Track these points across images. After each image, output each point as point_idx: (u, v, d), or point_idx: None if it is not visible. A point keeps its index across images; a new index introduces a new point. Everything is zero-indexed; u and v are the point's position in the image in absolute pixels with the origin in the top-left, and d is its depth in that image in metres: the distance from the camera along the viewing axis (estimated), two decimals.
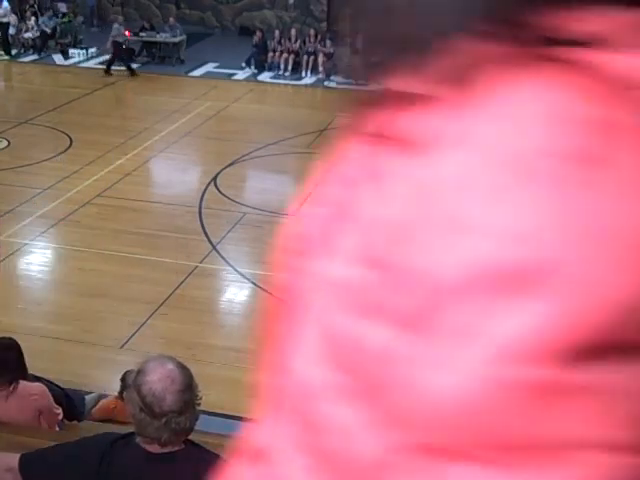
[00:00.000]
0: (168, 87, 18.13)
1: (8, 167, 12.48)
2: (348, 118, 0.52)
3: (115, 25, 19.41)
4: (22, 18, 21.64)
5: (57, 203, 11.18)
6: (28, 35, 20.82)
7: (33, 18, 21.22)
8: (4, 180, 12.02)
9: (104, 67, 19.17)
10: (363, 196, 0.46)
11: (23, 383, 4.50)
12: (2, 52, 20.35)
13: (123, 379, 5.29)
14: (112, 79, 18.81)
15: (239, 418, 7.19)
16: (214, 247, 10.01)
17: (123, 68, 19.77)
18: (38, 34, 20.89)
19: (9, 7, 20.53)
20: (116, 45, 19.06)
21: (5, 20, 20.34)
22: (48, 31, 21.08)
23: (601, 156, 0.38)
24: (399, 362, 0.40)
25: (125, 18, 25.13)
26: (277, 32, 20.79)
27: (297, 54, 20.00)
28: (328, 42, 20.07)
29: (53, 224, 10.52)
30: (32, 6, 22.61)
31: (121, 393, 5.46)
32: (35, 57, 20.71)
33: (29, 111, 15.74)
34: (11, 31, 20.79)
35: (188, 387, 2.51)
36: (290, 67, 19.80)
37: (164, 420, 2.44)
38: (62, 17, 22.17)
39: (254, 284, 9.20)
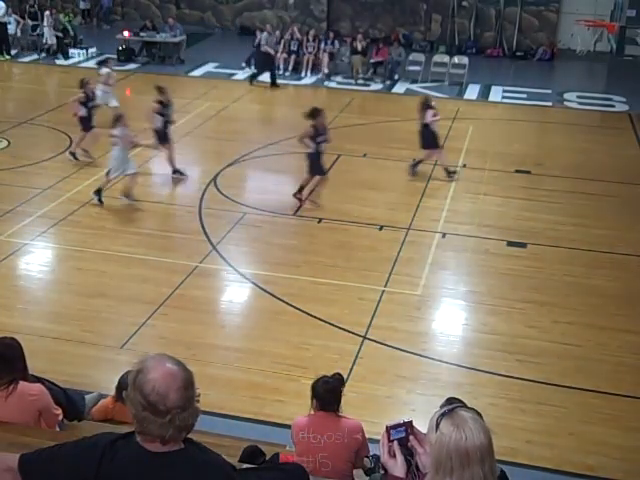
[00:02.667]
0: (168, 87, 18.10)
1: (8, 167, 12.49)
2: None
3: (264, 34, 18.81)
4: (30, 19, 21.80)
5: (57, 203, 11.18)
6: (52, 40, 20.81)
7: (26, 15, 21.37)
8: (4, 180, 12.01)
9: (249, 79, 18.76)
10: None
11: (22, 383, 4.49)
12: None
13: (119, 383, 5.28)
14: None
15: (239, 418, 7.21)
16: (214, 247, 10.00)
17: (123, 68, 19.77)
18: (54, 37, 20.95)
19: (5, 7, 20.51)
20: (264, 56, 18.58)
21: (4, 20, 20.33)
22: (59, 35, 21.13)
23: None
24: None
25: (124, 18, 25.21)
26: (277, 32, 20.81)
27: (297, 54, 20.01)
28: (328, 42, 20.10)
29: (53, 224, 10.52)
30: (32, 6, 22.62)
31: (116, 396, 5.41)
32: (36, 57, 20.71)
33: (29, 111, 15.74)
34: (12, 31, 20.81)
35: (189, 383, 2.51)
36: (290, 67, 19.81)
37: (169, 417, 2.45)
38: (65, 17, 22.20)
39: (254, 284, 9.20)
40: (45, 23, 20.78)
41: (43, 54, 20.79)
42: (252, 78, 18.55)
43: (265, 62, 18.50)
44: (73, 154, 12.82)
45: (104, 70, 14.97)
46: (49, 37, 20.79)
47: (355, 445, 4.83)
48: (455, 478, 2.31)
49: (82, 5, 25.05)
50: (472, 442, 2.30)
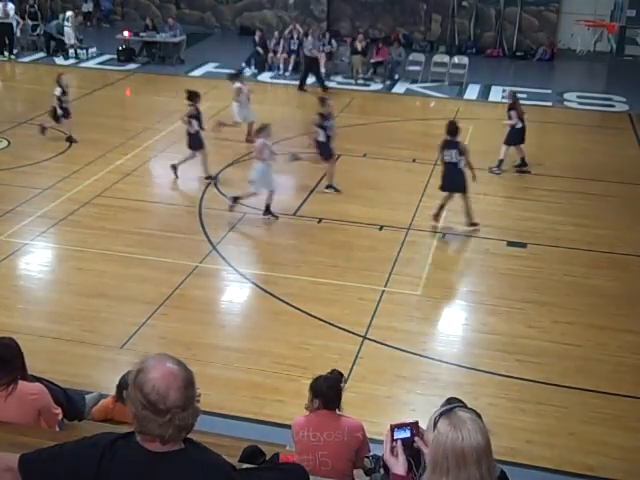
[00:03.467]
0: (168, 87, 18.12)
1: (8, 167, 12.48)
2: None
3: (309, 39, 18.53)
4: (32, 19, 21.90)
5: (57, 203, 11.18)
6: (72, 40, 20.79)
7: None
8: (4, 180, 12.01)
9: (298, 83, 18.34)
10: None
11: (22, 383, 4.49)
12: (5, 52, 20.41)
13: (119, 383, 5.29)
14: (112, 79, 18.80)
15: (239, 418, 7.21)
16: (214, 247, 10.01)
17: (123, 68, 19.78)
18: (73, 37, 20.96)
19: (14, 8, 20.61)
20: (309, 60, 18.23)
21: (9, 21, 20.39)
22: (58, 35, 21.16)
23: None
24: None
25: (124, 18, 25.20)
26: (276, 32, 20.80)
27: (297, 54, 19.99)
28: (330, 41, 20.10)
29: (53, 224, 10.52)
30: (32, 6, 22.61)
31: (117, 396, 5.45)
32: (39, 56, 20.72)
33: (29, 111, 15.74)
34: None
35: (190, 383, 2.51)
36: (290, 67, 19.80)
37: (168, 417, 2.46)
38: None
39: (254, 284, 9.20)
40: (68, 23, 20.76)
41: (79, 54, 20.75)
42: (301, 84, 18.27)
43: (310, 66, 18.24)
44: (209, 177, 12.27)
45: (235, 85, 14.14)
46: (71, 37, 20.75)
47: (355, 444, 4.83)
48: (451, 478, 2.32)
49: (85, 8, 24.97)
50: (469, 443, 2.30)
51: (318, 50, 18.47)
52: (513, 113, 12.93)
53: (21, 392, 4.44)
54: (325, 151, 11.80)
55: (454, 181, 10.47)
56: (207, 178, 12.24)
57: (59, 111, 13.61)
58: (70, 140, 13.64)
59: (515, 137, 12.95)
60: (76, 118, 15.32)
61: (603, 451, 6.48)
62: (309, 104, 17.89)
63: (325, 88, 18.15)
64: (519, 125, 12.91)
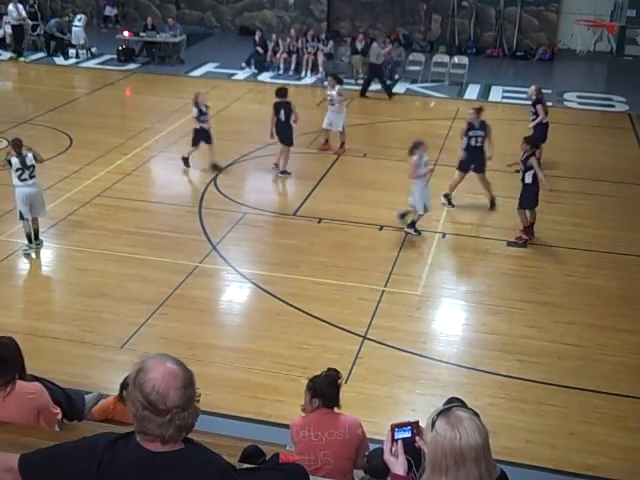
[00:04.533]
0: (168, 87, 18.12)
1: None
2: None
3: (374, 45, 18.17)
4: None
5: (57, 203, 11.17)
6: (81, 42, 20.78)
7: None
8: (4, 180, 12.00)
9: (360, 89, 17.93)
10: None
11: (20, 383, 4.48)
12: (12, 53, 20.45)
13: (123, 384, 5.31)
14: (112, 79, 18.80)
15: (239, 418, 7.19)
16: (214, 247, 10.01)
17: (123, 68, 19.79)
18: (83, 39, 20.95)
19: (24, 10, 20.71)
20: (373, 67, 17.83)
21: (22, 23, 20.44)
22: (58, 35, 21.15)
23: None
24: None
25: (124, 18, 25.18)
26: (274, 35, 20.76)
27: (297, 54, 20.00)
28: (328, 42, 20.10)
29: (53, 224, 10.51)
30: (32, 6, 22.59)
31: (119, 396, 5.49)
32: (39, 56, 20.70)
33: (29, 111, 15.73)
34: (10, 31, 20.83)
35: (190, 383, 2.50)
36: (292, 67, 19.79)
37: (168, 417, 2.45)
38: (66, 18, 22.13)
39: (254, 284, 9.20)
40: (80, 24, 20.75)
41: (80, 54, 20.70)
42: (364, 90, 17.97)
43: (375, 72, 17.91)
44: (283, 171, 12.46)
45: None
46: (80, 38, 20.74)
47: (356, 441, 4.84)
48: (450, 477, 2.32)
49: (107, 11, 24.82)
50: (467, 442, 2.30)
51: (380, 56, 17.99)
52: (540, 107, 12.78)
53: (19, 392, 4.44)
54: (464, 158, 11.53)
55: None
56: (282, 173, 12.47)
57: (197, 132, 12.57)
58: (216, 168, 12.62)
59: (542, 133, 12.77)
60: (76, 118, 15.36)
61: (603, 451, 6.48)
62: (309, 104, 17.92)
63: (391, 94, 17.94)
64: (545, 120, 12.81)
